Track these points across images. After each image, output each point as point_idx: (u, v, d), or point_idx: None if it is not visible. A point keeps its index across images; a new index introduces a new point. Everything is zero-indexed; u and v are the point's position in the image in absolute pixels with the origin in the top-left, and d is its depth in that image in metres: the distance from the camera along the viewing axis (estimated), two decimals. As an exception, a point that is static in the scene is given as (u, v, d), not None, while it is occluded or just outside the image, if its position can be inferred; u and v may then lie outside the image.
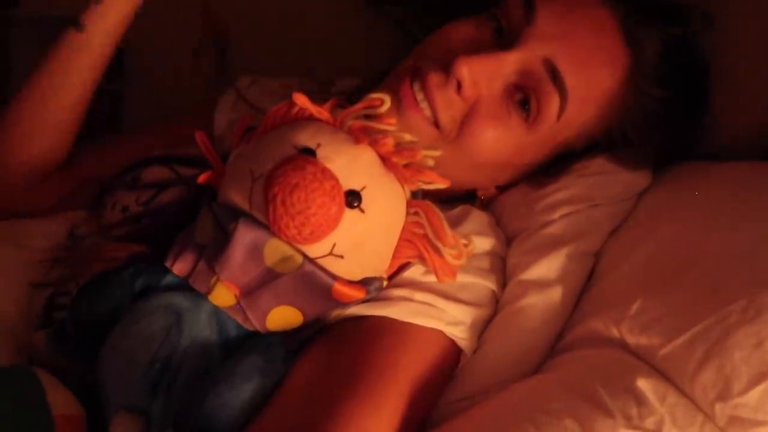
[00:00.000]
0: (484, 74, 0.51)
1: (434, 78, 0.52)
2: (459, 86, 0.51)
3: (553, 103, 0.51)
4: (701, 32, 0.55)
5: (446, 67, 0.51)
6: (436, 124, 0.52)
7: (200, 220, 0.46)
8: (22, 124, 0.64)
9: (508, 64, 0.51)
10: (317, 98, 0.48)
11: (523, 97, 0.52)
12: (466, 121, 0.52)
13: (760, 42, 0.53)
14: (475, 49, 0.51)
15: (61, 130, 0.65)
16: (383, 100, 0.46)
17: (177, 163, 0.60)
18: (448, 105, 0.52)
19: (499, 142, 0.52)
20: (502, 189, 0.59)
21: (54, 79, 0.63)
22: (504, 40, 0.53)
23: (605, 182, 0.55)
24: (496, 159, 0.54)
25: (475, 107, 0.52)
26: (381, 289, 0.48)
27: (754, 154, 0.53)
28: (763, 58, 0.53)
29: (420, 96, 0.52)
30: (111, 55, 0.64)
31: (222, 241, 0.44)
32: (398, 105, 0.52)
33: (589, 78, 0.52)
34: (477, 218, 0.55)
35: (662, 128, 0.55)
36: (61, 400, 0.44)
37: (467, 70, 0.50)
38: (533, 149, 0.54)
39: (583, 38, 0.52)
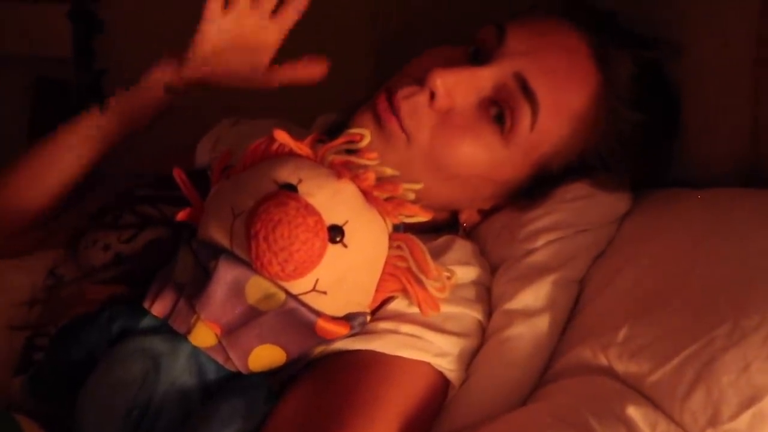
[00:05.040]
0: (458, 86, 0.52)
1: (404, 91, 0.53)
2: (432, 97, 0.52)
3: (525, 114, 0.52)
4: (670, 60, 0.56)
5: (420, 81, 0.53)
6: (403, 129, 0.53)
7: (180, 259, 0.46)
8: (19, 185, 0.63)
9: (482, 78, 0.53)
10: (297, 134, 0.48)
11: (498, 111, 0.53)
12: (438, 129, 0.53)
13: (726, 70, 0.54)
14: (449, 64, 0.53)
15: (53, 196, 0.64)
16: (363, 135, 0.46)
17: (158, 201, 0.59)
18: (414, 112, 0.53)
19: (473, 154, 0.53)
20: (485, 214, 0.59)
21: (61, 150, 0.63)
22: (478, 60, 0.54)
23: (586, 207, 0.55)
24: (472, 171, 0.54)
25: (447, 118, 0.53)
26: (365, 324, 0.47)
27: (728, 181, 0.53)
28: (730, 86, 0.54)
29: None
30: (128, 135, 0.64)
31: (202, 279, 0.43)
32: (378, 120, 0.53)
33: (560, 93, 0.53)
34: (461, 248, 0.55)
35: (638, 151, 0.56)
36: (40, 447, 0.43)
37: (441, 81, 0.52)
38: (510, 165, 0.54)
39: (552, 57, 0.53)
